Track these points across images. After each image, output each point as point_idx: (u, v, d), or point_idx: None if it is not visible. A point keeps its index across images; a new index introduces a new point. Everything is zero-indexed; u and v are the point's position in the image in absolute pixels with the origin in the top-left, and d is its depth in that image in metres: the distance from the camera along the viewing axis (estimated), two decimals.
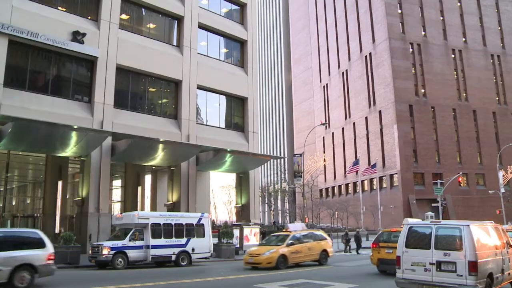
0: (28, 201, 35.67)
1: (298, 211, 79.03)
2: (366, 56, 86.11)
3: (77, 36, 28.16)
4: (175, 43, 34.59)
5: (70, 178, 33.50)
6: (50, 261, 14.77)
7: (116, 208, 35.55)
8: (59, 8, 28.94)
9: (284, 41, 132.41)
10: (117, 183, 36.57)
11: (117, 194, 36.36)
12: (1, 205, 30.87)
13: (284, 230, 24.70)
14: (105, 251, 21.59)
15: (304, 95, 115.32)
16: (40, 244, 14.82)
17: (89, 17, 29.91)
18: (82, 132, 25.70)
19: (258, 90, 42.39)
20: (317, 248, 23.88)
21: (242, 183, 36.84)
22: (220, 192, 76.50)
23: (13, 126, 23.48)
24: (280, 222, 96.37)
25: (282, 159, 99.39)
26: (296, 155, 39.51)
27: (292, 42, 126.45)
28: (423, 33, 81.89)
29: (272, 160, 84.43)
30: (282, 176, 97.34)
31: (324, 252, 24.27)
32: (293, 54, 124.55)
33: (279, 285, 15.73)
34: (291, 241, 22.48)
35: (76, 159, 29.75)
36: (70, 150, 27.17)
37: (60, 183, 31.46)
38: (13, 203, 34.59)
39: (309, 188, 70.59)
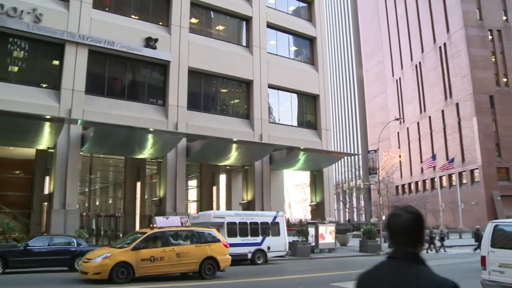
0: (110, 201, 37.29)
1: (374, 208, 77.32)
2: (440, 47, 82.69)
3: (150, 42, 29.19)
4: (244, 44, 34.92)
5: (148, 179, 34.68)
6: None
7: (192, 207, 36.35)
8: (132, 16, 30.23)
9: (354, 36, 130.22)
10: (193, 183, 37.40)
11: (193, 194, 37.18)
12: (87, 205, 32.50)
13: (152, 226, 17.52)
14: None
15: (376, 90, 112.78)
16: None
17: (160, 23, 30.91)
18: (158, 134, 26.52)
19: (330, 86, 41.91)
20: (196, 255, 16.89)
21: (317, 181, 36.53)
22: (295, 191, 76.52)
23: (94, 131, 24.80)
24: (355, 220, 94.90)
25: (356, 156, 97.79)
26: (371, 152, 38.57)
27: (362, 37, 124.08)
28: (504, 18, 77.10)
29: (346, 157, 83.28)
30: (357, 173, 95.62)
31: (211, 261, 17.25)
32: (364, 48, 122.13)
33: None
34: (142, 243, 16.06)
35: (153, 160, 30.75)
36: (147, 152, 28.12)
37: (138, 184, 32.65)
38: (97, 203, 36.28)
39: (384, 185, 68.70)
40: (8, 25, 25.21)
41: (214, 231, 18.40)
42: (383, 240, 32.96)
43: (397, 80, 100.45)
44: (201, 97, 32.04)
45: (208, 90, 32.97)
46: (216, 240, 17.87)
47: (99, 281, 14.53)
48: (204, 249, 17.15)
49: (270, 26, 36.03)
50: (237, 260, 23.76)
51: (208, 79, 32.67)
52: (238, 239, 23.65)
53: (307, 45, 38.88)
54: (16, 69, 27.86)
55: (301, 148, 31.70)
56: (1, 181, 29.13)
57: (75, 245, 19.37)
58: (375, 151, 37.58)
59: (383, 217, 47.12)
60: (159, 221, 17.38)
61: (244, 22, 35.25)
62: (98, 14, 28.20)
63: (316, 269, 21.11)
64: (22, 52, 28.01)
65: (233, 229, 23.78)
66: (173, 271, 16.64)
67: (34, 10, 25.83)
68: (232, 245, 23.10)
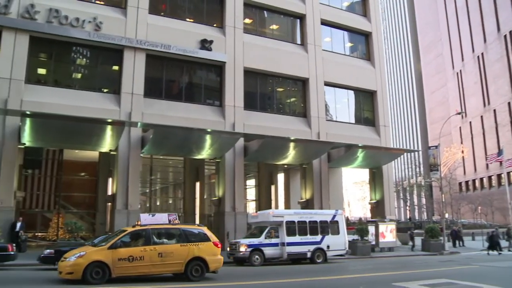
0: (170, 201, 38.04)
1: (436, 206, 75.02)
2: (505, 36, 79.11)
3: (205, 44, 29.63)
4: (299, 42, 34.76)
5: (206, 179, 35.13)
6: None
7: (251, 206, 36.54)
8: (187, 19, 30.80)
9: (411, 29, 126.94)
10: (251, 182, 37.59)
11: (251, 193, 37.35)
12: (148, 205, 33.33)
13: (137, 223, 16.30)
14: (242, 248, 22.38)
15: (436, 84, 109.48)
16: None
17: (215, 25, 31.30)
18: (216, 135, 26.81)
19: (387, 82, 41.03)
20: (181, 255, 15.44)
21: (376, 179, 35.84)
22: (354, 188, 75.46)
23: (154, 133, 25.42)
24: (417, 218, 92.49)
25: (416, 153, 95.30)
26: (431, 148, 37.41)
27: (419, 29, 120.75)
28: None
29: (405, 154, 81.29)
30: (417, 170, 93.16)
31: (198, 262, 15.69)
32: (422, 41, 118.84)
33: (420, 284, 14.96)
34: (120, 242, 14.83)
35: (212, 161, 31.13)
36: (205, 153, 28.49)
37: (197, 184, 33.13)
38: (158, 203, 37.11)
39: (447, 181, 66.72)
40: (71, 35, 26.44)
41: (204, 230, 16.77)
42: (446, 239, 31.92)
43: (457, 73, 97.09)
44: (257, 97, 32.16)
45: (264, 90, 33.03)
46: (205, 239, 16.20)
47: (74, 281, 13.81)
48: (191, 249, 15.64)
49: (324, 23, 35.66)
50: (297, 259, 23.75)
51: (264, 79, 32.73)
52: (297, 238, 23.61)
53: (362, 41, 38.20)
54: (79, 76, 29.04)
55: (359, 145, 31.18)
56: (68, 183, 30.44)
57: None
58: (436, 147, 36.47)
59: (446, 215, 45.66)
60: (144, 218, 16.13)
61: (298, 20, 35.08)
62: (154, 19, 28.95)
63: (377, 268, 20.69)
64: (84, 59, 29.16)
65: (292, 228, 23.74)
66: (154, 272, 15.21)
67: (95, 19, 26.85)
68: (291, 244, 23.20)
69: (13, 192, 24.14)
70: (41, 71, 28.01)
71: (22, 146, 25.21)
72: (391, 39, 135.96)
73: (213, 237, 16.49)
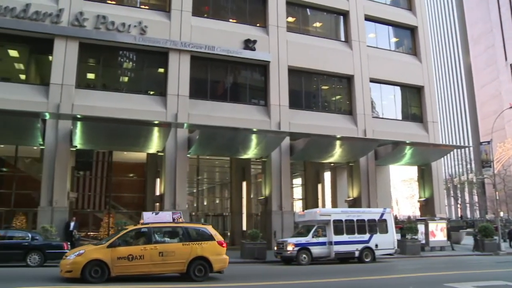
0: (217, 201, 38.37)
1: (490, 204, 72.61)
2: None
3: (249, 44, 29.80)
4: (343, 39, 34.39)
5: (253, 179, 35.23)
6: None
7: (298, 205, 36.42)
8: (230, 20, 31.12)
9: (459, 20, 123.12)
10: (297, 181, 37.46)
11: (298, 192, 37.24)
12: (195, 205, 33.77)
13: (141, 222, 15.89)
14: (289, 248, 22.37)
15: (487, 77, 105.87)
16: None
17: (258, 25, 31.43)
18: (262, 134, 26.88)
19: (434, 77, 39.97)
20: (183, 254, 14.99)
21: (425, 176, 35.01)
22: (402, 186, 74.03)
23: (200, 133, 25.74)
24: (468, 216, 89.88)
25: (467, 149, 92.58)
26: (483, 143, 36.21)
27: (468, 21, 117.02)
28: None
29: (456, 150, 79.13)
30: (468, 166, 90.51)
31: (202, 261, 15.18)
32: (471, 33, 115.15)
33: (474, 285, 14.49)
34: (120, 240, 14.67)
35: (258, 160, 31.21)
36: (251, 152, 28.59)
37: (244, 184, 33.27)
38: (205, 203, 37.50)
39: (501, 178, 64.33)
40: (118, 39, 27.28)
41: (208, 228, 16.16)
42: (502, 239, 30.80)
43: (511, 65, 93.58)
44: (302, 95, 32.05)
45: (309, 88, 32.86)
46: (209, 238, 15.62)
47: (74, 279, 13.75)
48: (193, 248, 15.13)
49: (368, 18, 35.12)
50: (345, 258, 23.50)
51: (308, 77, 32.57)
52: (344, 237, 23.42)
53: (408, 35, 37.34)
54: (126, 79, 29.83)
55: (407, 142, 30.55)
56: (118, 184, 31.18)
57: None
58: (488, 142, 35.29)
59: (501, 214, 44.09)
60: (147, 216, 15.73)
61: (342, 16, 34.71)
62: (197, 21, 29.36)
63: (427, 268, 20.21)
64: (130, 63, 29.93)
65: (339, 227, 23.57)
66: (155, 272, 14.85)
67: (140, 23, 27.49)
68: (338, 243, 23.02)
69: (67, 193, 25.12)
70: (90, 76, 28.99)
71: (74, 149, 26.15)
72: (437, 32, 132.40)
73: (218, 236, 15.94)
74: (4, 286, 13.02)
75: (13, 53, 27.98)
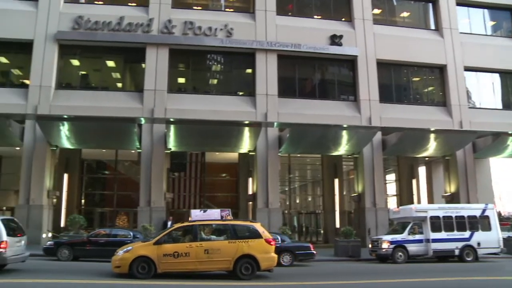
0: (310, 199, 38.19)
1: None
2: None
3: (335, 39, 29.47)
4: (433, 27, 32.89)
5: (345, 176, 34.72)
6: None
7: (392, 202, 35.38)
8: (315, 16, 31.04)
9: None
10: (391, 177, 36.39)
11: (391, 188, 36.17)
12: (288, 203, 33.86)
13: (189, 219, 15.79)
14: (384, 245, 21.80)
15: None
16: None
17: (343, 19, 31.01)
18: (352, 130, 26.49)
19: None
20: (229, 252, 14.61)
21: None
22: (505, 181, 69.62)
23: (290, 132, 25.82)
24: None
25: None
26: None
27: None
28: None
29: None
30: None
31: (248, 259, 14.65)
32: None
33: None
34: (166, 238, 14.81)
35: (349, 156, 30.73)
36: (342, 149, 28.21)
37: (336, 181, 32.83)
38: (297, 201, 37.46)
39: None
40: (206, 43, 28.19)
41: (256, 226, 15.58)
42: None
43: None
44: (392, 89, 31.11)
45: (399, 81, 31.83)
46: (256, 236, 15.07)
47: (122, 275, 14.08)
48: (240, 246, 14.69)
49: (460, 3, 33.27)
50: (443, 257, 22.45)
51: (398, 69, 31.58)
52: (443, 234, 22.37)
53: (507, 17, 34.80)
54: (215, 81, 30.62)
55: (509, 132, 28.64)
56: (211, 184, 32.07)
57: (280, 241, 20.17)
58: None
59: None
60: (195, 214, 15.57)
61: (431, 4, 33.25)
62: (282, 19, 29.51)
63: None
64: (218, 65, 30.66)
65: (436, 224, 22.57)
66: (201, 269, 14.70)
67: (226, 26, 28.11)
68: (436, 240, 22.09)
69: (163, 193, 26.28)
70: (181, 80, 30.08)
71: (169, 151, 27.17)
72: None
73: (266, 234, 15.40)
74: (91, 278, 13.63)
75: (110, 63, 29.79)
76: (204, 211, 15.90)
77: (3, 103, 25.41)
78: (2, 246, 14.08)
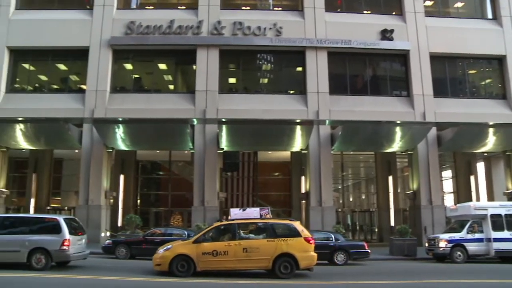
0: (363, 197, 37.66)
1: None
2: None
3: (386, 34, 28.98)
4: (490, 16, 31.61)
5: (399, 173, 34.00)
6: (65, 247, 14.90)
7: (449, 199, 34.35)
8: (364, 12, 30.71)
9: None
10: (447, 173, 35.30)
11: (448, 185, 35.09)
12: (341, 202, 33.56)
13: (229, 218, 15.89)
14: (442, 244, 21.14)
15: None
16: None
17: (393, 13, 30.43)
18: (406, 126, 25.99)
19: None
20: (268, 250, 14.53)
21: None
22: None
23: (342, 129, 25.64)
24: None
25: None
26: None
27: None
28: None
29: None
30: None
31: (287, 258, 14.55)
32: None
33: None
34: (205, 236, 14.91)
35: (403, 153, 30.05)
36: (396, 145, 27.70)
37: (390, 178, 32.19)
38: (350, 199, 37.04)
39: None
40: (255, 43, 28.40)
41: (295, 224, 15.39)
42: None
43: None
44: (447, 82, 30.17)
45: (454, 74, 30.83)
46: (295, 235, 14.90)
47: (163, 273, 14.39)
48: (278, 245, 14.59)
49: None
50: (508, 258, 21.46)
51: (452, 62, 30.60)
52: (505, 233, 21.20)
53: None
54: (265, 80, 30.73)
55: None
56: (264, 183, 32.24)
57: (333, 240, 20.05)
58: None
59: None
60: (234, 213, 15.65)
61: None
62: (331, 16, 29.28)
63: None
64: (268, 64, 30.77)
65: (498, 222, 21.46)
66: (239, 268, 14.73)
67: (275, 25, 28.19)
68: (498, 239, 21.13)
69: (217, 193, 26.71)
70: (231, 80, 30.37)
71: (221, 151, 27.52)
72: None
73: (305, 232, 15.24)
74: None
75: (162, 66, 30.53)
76: (244, 210, 16.05)
77: (62, 108, 26.64)
78: (65, 243, 14.90)
